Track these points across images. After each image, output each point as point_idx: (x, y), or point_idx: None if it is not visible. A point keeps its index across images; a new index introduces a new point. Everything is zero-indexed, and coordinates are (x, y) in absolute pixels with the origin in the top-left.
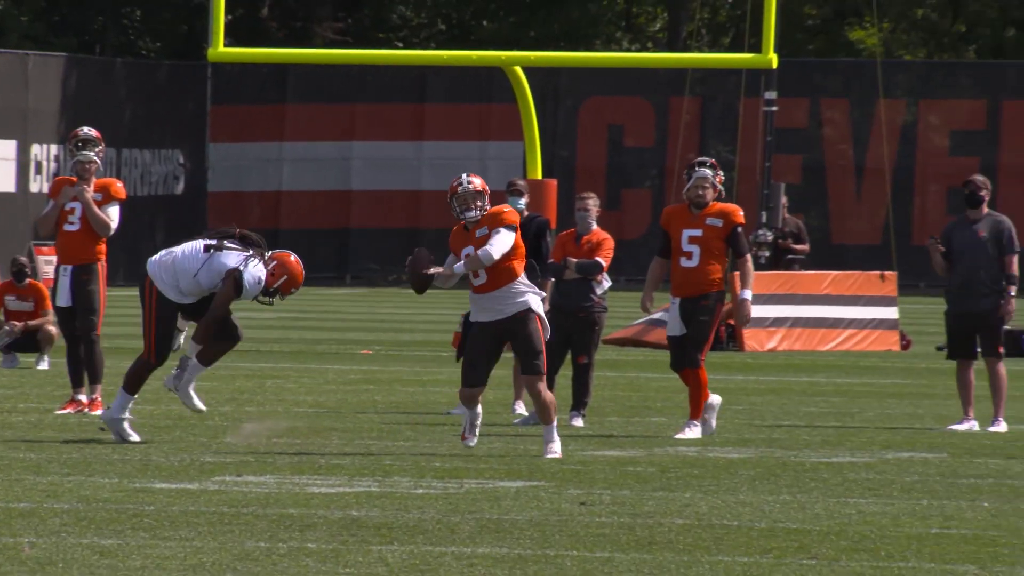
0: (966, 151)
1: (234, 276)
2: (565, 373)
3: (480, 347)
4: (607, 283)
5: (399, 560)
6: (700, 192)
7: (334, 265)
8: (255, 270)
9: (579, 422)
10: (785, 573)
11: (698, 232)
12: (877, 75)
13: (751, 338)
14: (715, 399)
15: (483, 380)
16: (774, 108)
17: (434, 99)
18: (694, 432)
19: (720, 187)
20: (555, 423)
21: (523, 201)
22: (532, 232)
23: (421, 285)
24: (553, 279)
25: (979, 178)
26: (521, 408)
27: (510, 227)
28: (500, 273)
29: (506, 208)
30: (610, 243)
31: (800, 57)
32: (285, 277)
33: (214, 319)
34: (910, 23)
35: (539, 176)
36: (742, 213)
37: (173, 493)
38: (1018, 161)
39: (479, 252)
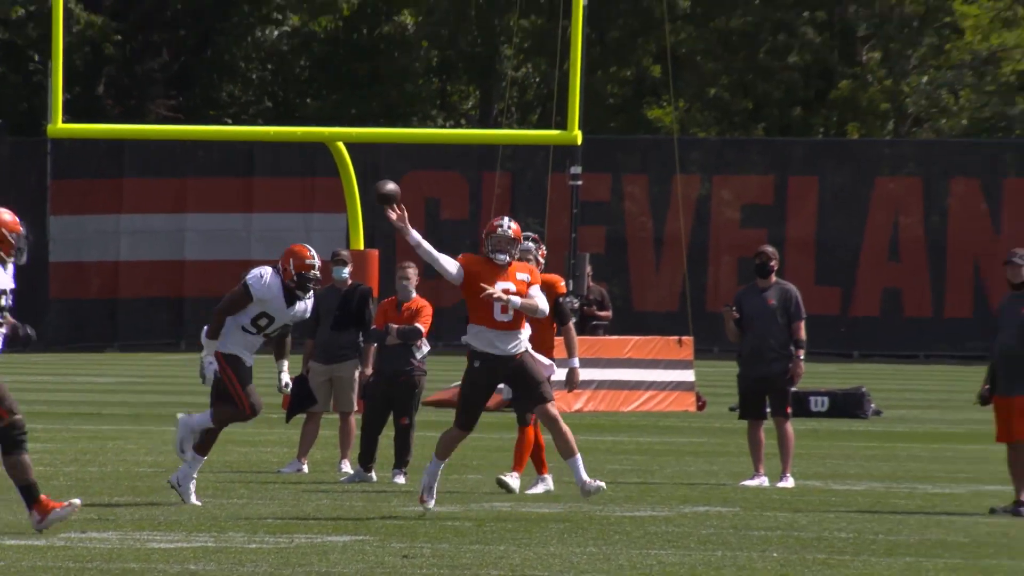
0: (755, 224)
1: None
2: (388, 433)
3: (481, 390)
4: (426, 348)
5: None
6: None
7: (170, 332)
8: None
9: (401, 479)
10: None
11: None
12: (674, 152)
13: (559, 400)
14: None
15: (474, 424)
16: (579, 182)
17: (261, 173)
18: (542, 487)
19: (543, 260)
20: (578, 456)
21: (347, 270)
22: (356, 300)
23: (386, 198)
24: (376, 344)
25: (768, 249)
26: (347, 467)
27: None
28: (522, 319)
29: (557, 279)
30: (429, 310)
31: (603, 134)
32: (291, 257)
33: (217, 311)
34: (704, 102)
35: (361, 246)
36: (563, 283)
37: (22, 549)
38: (803, 233)
39: (537, 302)
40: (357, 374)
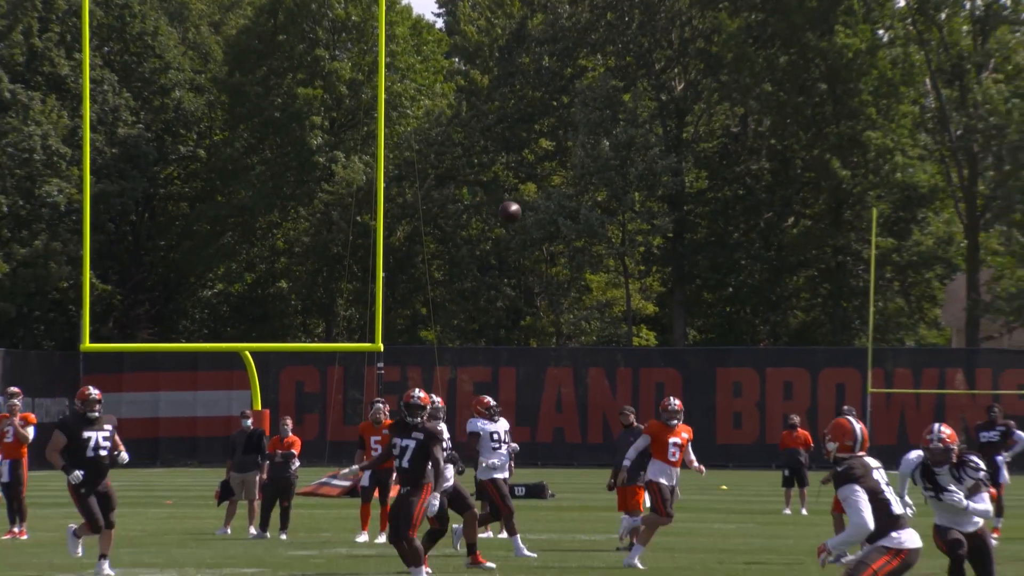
0: (479, 391)
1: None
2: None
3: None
4: (297, 463)
5: None
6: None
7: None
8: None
9: (284, 536)
10: None
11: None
12: (435, 355)
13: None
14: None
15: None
16: (382, 372)
17: (204, 368)
18: None
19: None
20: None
21: (250, 421)
22: (256, 437)
23: (511, 219)
24: (268, 462)
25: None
26: (253, 530)
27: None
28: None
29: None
30: (299, 442)
31: (396, 344)
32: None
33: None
34: (450, 328)
35: (259, 407)
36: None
37: None
38: (509, 398)
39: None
40: (257, 478)
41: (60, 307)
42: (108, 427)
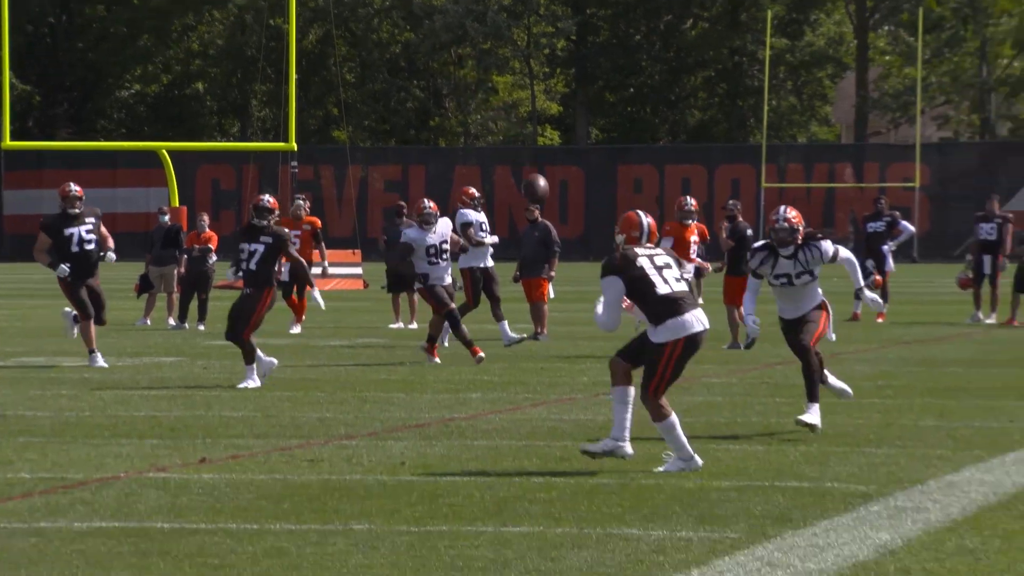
0: (391, 191)
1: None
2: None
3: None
4: (214, 258)
5: None
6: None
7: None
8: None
9: (202, 327)
10: None
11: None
12: (347, 155)
13: None
14: None
15: None
16: (296, 170)
17: (124, 166)
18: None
19: (308, 210)
20: None
21: (167, 217)
22: (174, 232)
23: (538, 199)
24: (186, 255)
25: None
26: (172, 321)
27: None
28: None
29: None
30: (216, 238)
31: (308, 144)
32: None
33: None
34: (363, 129)
35: (176, 204)
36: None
37: None
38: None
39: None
40: (176, 272)
41: None
42: (90, 221)
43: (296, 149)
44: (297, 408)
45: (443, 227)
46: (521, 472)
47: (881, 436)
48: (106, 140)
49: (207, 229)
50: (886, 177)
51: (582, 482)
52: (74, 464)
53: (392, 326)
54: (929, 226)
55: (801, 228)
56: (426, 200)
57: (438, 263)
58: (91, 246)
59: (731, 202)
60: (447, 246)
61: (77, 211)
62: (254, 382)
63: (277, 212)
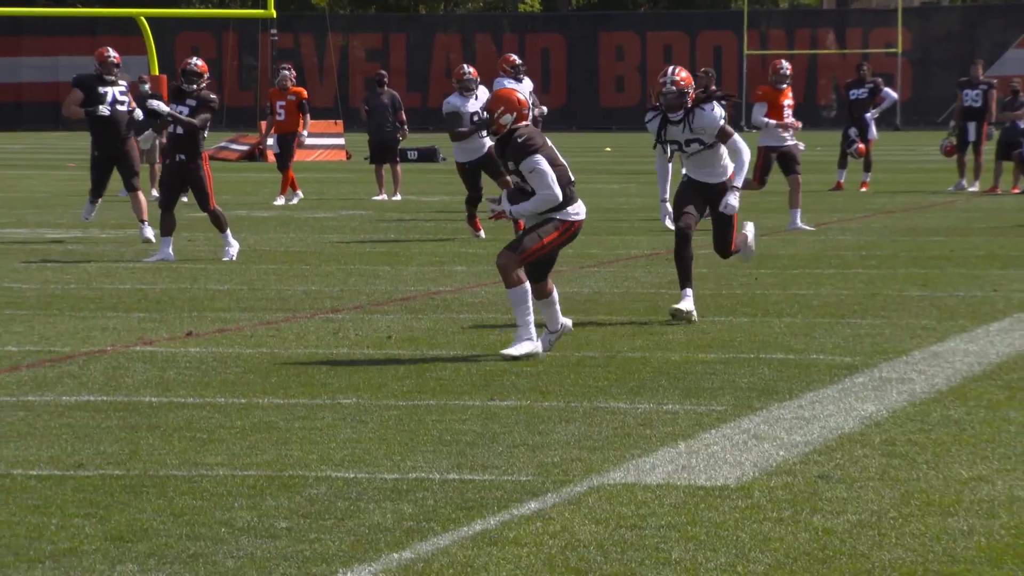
0: (373, 60)
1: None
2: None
3: None
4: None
5: None
6: None
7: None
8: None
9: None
10: None
11: None
12: (327, 24)
13: None
14: None
15: None
16: (275, 38)
17: (102, 33)
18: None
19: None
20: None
21: (147, 86)
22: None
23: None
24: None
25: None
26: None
27: None
28: None
29: None
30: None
31: (288, 12)
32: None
33: None
34: None
35: (157, 73)
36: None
37: None
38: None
39: None
40: (157, 142)
41: None
42: (124, 83)
43: (275, 16)
44: (283, 281)
45: (485, 95)
46: (507, 345)
47: (866, 307)
48: (84, 7)
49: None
50: (868, 43)
51: (568, 356)
52: (61, 337)
53: (376, 198)
54: (912, 93)
55: (691, 91)
56: (465, 66)
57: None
58: (123, 108)
59: (703, 70)
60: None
61: (113, 78)
62: (235, 246)
63: (207, 76)
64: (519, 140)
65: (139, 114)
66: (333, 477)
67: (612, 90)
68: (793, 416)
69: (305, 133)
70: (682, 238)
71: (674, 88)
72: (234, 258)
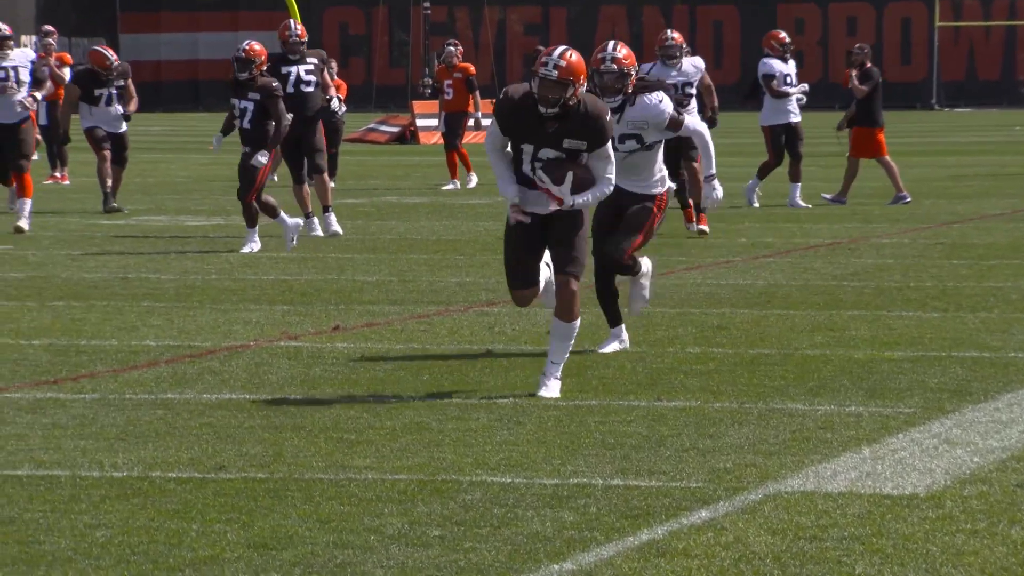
0: (530, 33)
1: None
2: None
3: None
4: (343, 108)
5: None
6: None
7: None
8: None
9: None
10: None
11: None
12: None
13: None
14: None
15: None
16: (428, 12)
17: (245, 8)
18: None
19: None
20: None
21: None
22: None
23: None
24: None
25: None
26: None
27: None
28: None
29: None
30: (344, 87)
31: None
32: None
33: None
34: None
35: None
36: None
37: None
38: (562, 39)
39: None
40: None
41: None
42: (312, 61)
43: None
44: (435, 272)
45: (690, 65)
46: (676, 341)
47: None
48: None
49: (335, 77)
50: None
51: (742, 353)
52: (201, 331)
53: None
54: None
55: (634, 73)
56: (669, 31)
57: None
58: (309, 88)
59: (858, 46)
60: (691, 89)
61: (297, 56)
62: (255, 245)
63: (261, 59)
64: (605, 119)
65: (335, 104)
66: (489, 482)
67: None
68: (989, 419)
69: (479, 114)
70: (614, 267)
71: (614, 67)
72: (253, 251)
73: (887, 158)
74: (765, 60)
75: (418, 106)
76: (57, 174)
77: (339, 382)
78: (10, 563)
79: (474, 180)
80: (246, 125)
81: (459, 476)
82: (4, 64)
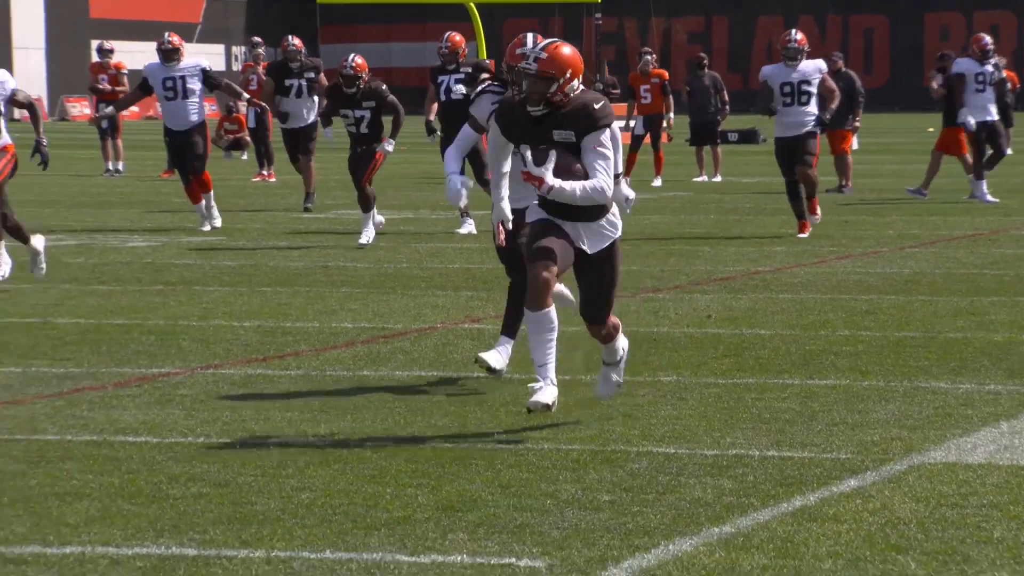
0: (691, 42)
1: None
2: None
3: None
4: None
5: None
6: None
7: None
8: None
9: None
10: None
11: None
12: (649, 4)
13: None
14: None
15: None
16: (600, 23)
17: (432, 19)
18: None
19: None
20: None
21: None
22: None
23: None
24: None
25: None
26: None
27: None
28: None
29: None
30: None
31: None
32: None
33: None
34: None
35: (484, 56)
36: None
37: None
38: (721, 45)
39: None
40: None
41: None
42: (465, 70)
43: (600, 1)
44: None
45: (807, 66)
46: (827, 325)
47: None
48: None
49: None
50: None
51: (888, 335)
52: (393, 315)
53: (696, 179)
54: None
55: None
56: (793, 31)
57: (793, 104)
58: (456, 96)
59: (943, 53)
60: (809, 88)
61: (454, 66)
62: (369, 232)
63: (365, 73)
64: (595, 106)
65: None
66: (654, 452)
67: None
68: None
69: (671, 115)
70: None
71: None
72: (367, 243)
73: (966, 155)
74: (959, 60)
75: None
76: (264, 172)
77: (517, 361)
78: (226, 521)
79: (659, 180)
80: (364, 130)
81: (627, 447)
82: (172, 74)
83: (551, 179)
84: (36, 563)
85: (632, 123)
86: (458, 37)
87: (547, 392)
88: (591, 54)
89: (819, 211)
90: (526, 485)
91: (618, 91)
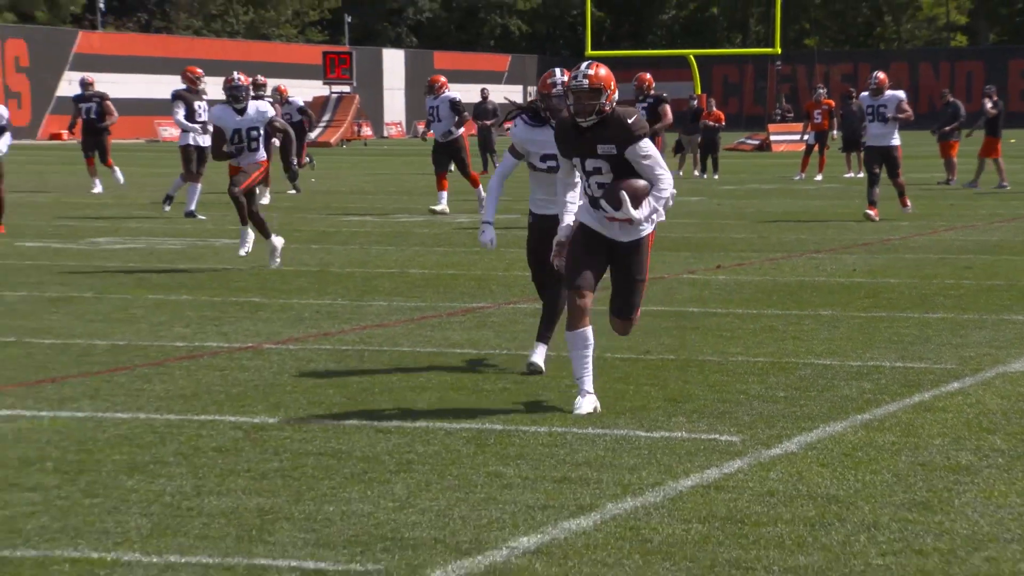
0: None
1: None
2: None
3: None
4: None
5: None
6: None
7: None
8: None
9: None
10: None
11: None
12: (814, 56)
13: None
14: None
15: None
16: (779, 67)
17: None
18: None
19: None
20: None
21: (695, 102)
22: (694, 112)
23: None
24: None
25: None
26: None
27: None
28: None
29: None
30: (723, 116)
31: (789, 50)
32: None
33: None
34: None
35: (698, 91)
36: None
37: None
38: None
39: None
40: (696, 139)
41: (571, 27)
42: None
43: (780, 52)
44: (782, 232)
45: (890, 96)
46: (937, 276)
47: None
48: (653, 49)
49: (715, 109)
50: None
51: (981, 284)
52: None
53: (845, 176)
54: None
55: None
56: (876, 72)
57: (874, 121)
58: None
59: (988, 87)
60: (885, 111)
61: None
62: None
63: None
64: (629, 121)
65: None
66: (815, 364)
67: (1018, 99)
68: None
69: (834, 133)
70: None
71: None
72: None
73: (1000, 159)
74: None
75: (772, 127)
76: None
77: (720, 300)
78: (521, 409)
79: (820, 176)
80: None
81: (796, 359)
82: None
83: (636, 213)
84: (398, 433)
85: (806, 136)
86: (647, 76)
87: (587, 403)
88: (773, 89)
89: (909, 203)
90: (725, 386)
91: (792, 115)
